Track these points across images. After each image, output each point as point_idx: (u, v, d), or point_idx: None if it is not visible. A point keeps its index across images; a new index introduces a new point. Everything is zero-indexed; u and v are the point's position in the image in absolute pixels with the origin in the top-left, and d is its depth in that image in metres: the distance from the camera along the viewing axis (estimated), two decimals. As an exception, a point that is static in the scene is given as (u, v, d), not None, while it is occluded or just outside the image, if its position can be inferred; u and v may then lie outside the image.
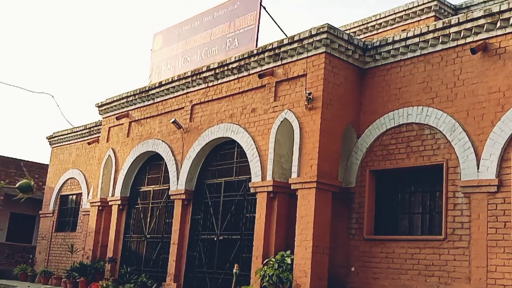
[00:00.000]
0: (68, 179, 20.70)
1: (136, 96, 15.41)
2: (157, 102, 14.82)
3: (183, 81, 13.85)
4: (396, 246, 10.09)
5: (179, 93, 14.10)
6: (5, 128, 47.75)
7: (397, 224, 10.51)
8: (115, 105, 16.25)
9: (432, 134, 10.00)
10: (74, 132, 20.70)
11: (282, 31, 12.64)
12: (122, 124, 16.01)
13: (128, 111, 15.83)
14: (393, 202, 10.64)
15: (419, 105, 10.23)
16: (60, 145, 21.73)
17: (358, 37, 12.34)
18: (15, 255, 26.32)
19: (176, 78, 14.07)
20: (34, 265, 21.03)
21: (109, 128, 16.58)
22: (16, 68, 49.46)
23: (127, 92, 15.74)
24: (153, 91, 14.84)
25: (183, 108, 13.93)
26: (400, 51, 10.64)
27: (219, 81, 12.95)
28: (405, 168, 10.32)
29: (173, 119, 13.75)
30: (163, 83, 14.51)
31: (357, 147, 11.03)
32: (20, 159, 26.72)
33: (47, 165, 23.05)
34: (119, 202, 15.39)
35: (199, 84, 13.49)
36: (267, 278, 10.30)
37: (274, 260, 10.45)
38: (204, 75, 13.24)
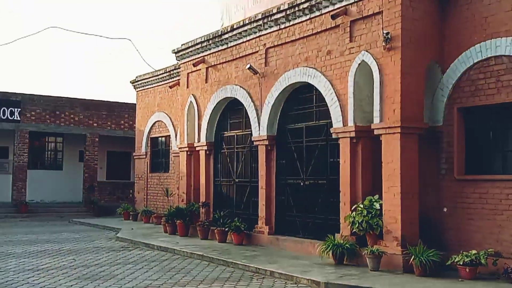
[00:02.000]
0: (156, 121, 21.40)
1: (210, 41, 15.30)
2: (231, 46, 14.65)
3: (255, 24, 13.53)
4: (490, 186, 9.70)
5: (251, 36, 13.83)
6: (93, 75, 49.32)
7: (490, 163, 10.05)
8: (191, 51, 16.27)
9: (525, 66, 9.24)
10: (155, 76, 21.12)
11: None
12: (200, 69, 16.07)
13: (203, 56, 15.82)
14: (484, 140, 10.12)
15: (508, 35, 9.40)
16: (144, 89, 22.31)
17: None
18: (116, 192, 28.20)
19: (247, 22, 13.76)
20: (135, 204, 22.42)
21: (188, 74, 16.72)
22: (94, 18, 50.28)
23: (201, 37, 15.65)
24: (226, 36, 14.65)
25: (257, 52, 13.70)
26: (485, -24, 9.69)
27: (291, 23, 12.53)
28: (496, 104, 9.70)
29: (248, 65, 13.61)
30: (234, 27, 14.25)
31: (442, 83, 10.44)
32: (110, 101, 27.89)
33: (135, 104, 23.81)
34: (205, 148, 15.78)
35: (271, 27, 13.13)
36: (357, 225, 10.36)
37: (362, 206, 10.43)
38: (275, 17, 12.83)
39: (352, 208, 10.67)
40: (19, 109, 24.64)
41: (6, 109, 24.27)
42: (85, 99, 27.24)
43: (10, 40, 21.81)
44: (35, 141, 26.65)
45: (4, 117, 24.28)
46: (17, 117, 24.58)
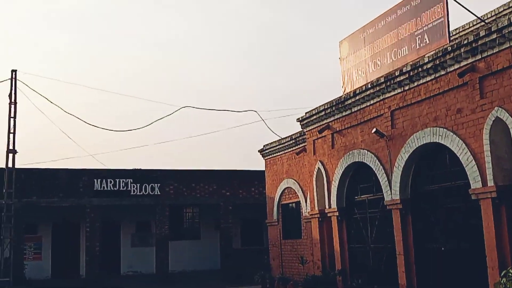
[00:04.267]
0: (285, 188, 21.72)
1: (334, 108, 15.48)
2: (355, 111, 14.70)
3: (377, 88, 13.52)
4: None
5: (375, 100, 13.80)
6: (223, 146, 51.51)
7: None
8: (315, 118, 16.54)
9: None
10: (282, 143, 21.62)
11: (477, 17, 11.55)
12: (325, 136, 16.24)
13: (328, 123, 16.00)
14: None
15: None
16: (272, 157, 22.89)
17: None
18: (251, 258, 28.60)
19: (369, 86, 13.79)
20: (271, 271, 22.58)
21: (313, 141, 16.95)
22: (219, 94, 53.20)
23: (324, 105, 15.90)
24: (349, 101, 14.75)
25: (382, 115, 13.61)
26: None
27: (415, 84, 12.35)
28: None
29: (374, 129, 13.53)
30: (357, 92, 14.34)
31: None
32: (240, 170, 28.91)
33: (263, 171, 24.44)
34: (336, 214, 15.68)
35: (394, 89, 13.04)
36: (509, 293, 9.59)
37: (512, 272, 9.66)
38: (399, 79, 12.74)
39: (502, 274, 9.91)
40: (158, 185, 26.33)
41: (147, 186, 26.07)
42: (217, 170, 28.51)
43: (148, 123, 23.67)
44: (174, 213, 28.13)
45: (146, 193, 26.05)
46: (157, 192, 26.26)
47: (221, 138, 51.73)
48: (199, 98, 51.66)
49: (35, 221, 26.26)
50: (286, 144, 21.34)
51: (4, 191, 22.43)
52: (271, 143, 22.62)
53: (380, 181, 13.74)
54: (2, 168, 22.79)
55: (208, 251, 28.68)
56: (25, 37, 53.67)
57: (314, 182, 16.77)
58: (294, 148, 20.77)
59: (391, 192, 13.24)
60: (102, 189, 25.49)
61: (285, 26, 55.35)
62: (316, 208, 16.61)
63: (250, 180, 28.52)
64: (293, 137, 20.72)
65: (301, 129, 18.22)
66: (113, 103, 51.99)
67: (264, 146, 23.30)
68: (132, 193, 25.79)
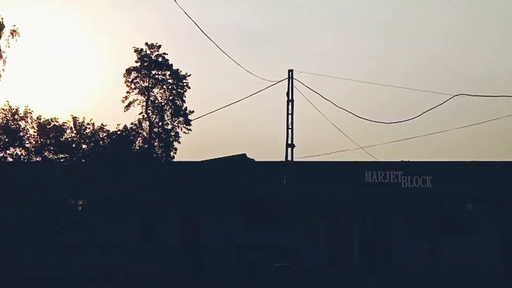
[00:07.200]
0: None
1: None
2: None
3: None
4: None
5: None
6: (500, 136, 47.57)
7: None
8: None
9: None
10: None
11: None
12: None
13: None
14: None
15: None
16: None
17: None
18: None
19: None
20: None
21: None
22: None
23: None
24: None
25: None
26: None
27: None
28: None
29: None
30: None
31: None
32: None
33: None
34: None
35: None
36: None
37: None
38: None
39: None
40: (430, 177, 25.43)
41: (418, 178, 25.42)
42: (491, 162, 26.58)
43: (419, 113, 23.23)
44: (444, 206, 26.90)
45: (417, 186, 25.46)
46: (429, 185, 25.47)
47: (496, 127, 48.02)
48: (472, 84, 48.73)
49: (310, 212, 27.68)
50: None
51: (284, 182, 24.16)
52: None
53: None
54: (282, 161, 24.55)
55: (487, 246, 26.90)
56: (296, 39, 57.36)
57: None
58: None
59: None
60: (372, 181, 25.70)
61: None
62: None
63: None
64: None
65: None
66: (381, 95, 52.34)
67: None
68: (402, 185, 25.48)
